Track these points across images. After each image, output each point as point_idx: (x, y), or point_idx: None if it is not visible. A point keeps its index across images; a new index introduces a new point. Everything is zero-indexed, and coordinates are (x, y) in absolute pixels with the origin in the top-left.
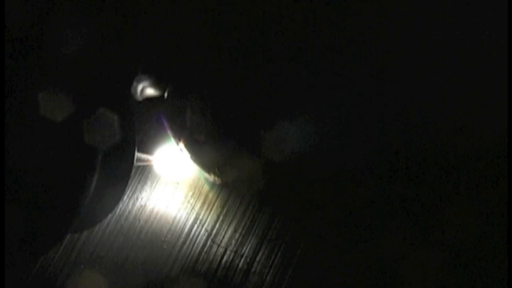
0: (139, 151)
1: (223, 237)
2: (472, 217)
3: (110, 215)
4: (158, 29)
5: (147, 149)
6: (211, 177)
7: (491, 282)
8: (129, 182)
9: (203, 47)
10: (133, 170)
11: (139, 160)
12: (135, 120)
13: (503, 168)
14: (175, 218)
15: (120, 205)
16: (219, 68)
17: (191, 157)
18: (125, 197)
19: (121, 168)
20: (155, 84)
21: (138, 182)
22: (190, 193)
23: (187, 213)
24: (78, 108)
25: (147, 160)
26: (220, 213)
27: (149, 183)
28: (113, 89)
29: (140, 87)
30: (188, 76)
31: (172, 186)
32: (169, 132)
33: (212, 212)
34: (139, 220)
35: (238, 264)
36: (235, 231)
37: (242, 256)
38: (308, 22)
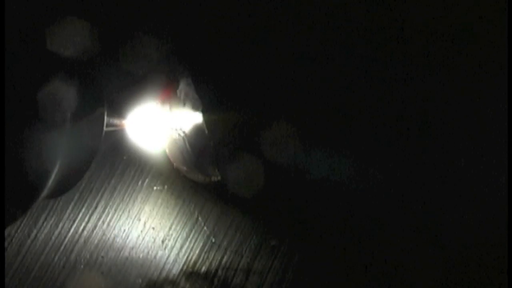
0: (109, 115)
1: (223, 237)
2: (472, 217)
3: (110, 215)
4: (163, 27)
5: (118, 113)
6: (211, 177)
7: (491, 282)
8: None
9: (207, 44)
10: (133, 170)
11: (110, 125)
12: (105, 83)
13: (503, 168)
14: (175, 218)
15: (121, 205)
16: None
17: (191, 156)
18: (125, 197)
19: (91, 133)
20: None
21: (138, 182)
22: (190, 193)
23: (187, 213)
24: (47, 72)
25: (119, 125)
26: (220, 213)
27: (148, 183)
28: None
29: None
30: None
31: (172, 186)
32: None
33: (212, 212)
34: (139, 220)
35: (238, 264)
36: (235, 231)
37: (242, 256)
38: (313, 20)
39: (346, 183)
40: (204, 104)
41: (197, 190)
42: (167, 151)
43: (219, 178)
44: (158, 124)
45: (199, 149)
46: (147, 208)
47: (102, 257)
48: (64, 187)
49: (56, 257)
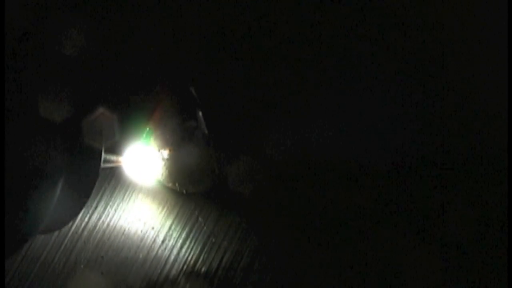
0: (106, 151)
1: (223, 237)
2: (472, 217)
3: (110, 215)
4: (160, 29)
5: (115, 150)
6: (211, 178)
7: (491, 282)
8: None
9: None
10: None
11: (106, 161)
12: (102, 119)
13: (503, 168)
14: (175, 218)
15: (121, 205)
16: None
17: (191, 156)
18: (125, 197)
19: (87, 171)
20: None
21: (138, 182)
22: (190, 193)
23: (187, 213)
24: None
25: (116, 161)
26: (220, 213)
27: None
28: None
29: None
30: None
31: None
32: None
33: (212, 212)
34: (139, 220)
35: (238, 264)
36: (235, 231)
37: (242, 256)
38: (310, 20)
39: (346, 183)
40: (203, 105)
41: (198, 190)
42: (160, 175)
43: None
44: (151, 156)
45: (191, 166)
46: (147, 208)
47: (102, 257)
48: (57, 224)
49: (56, 257)
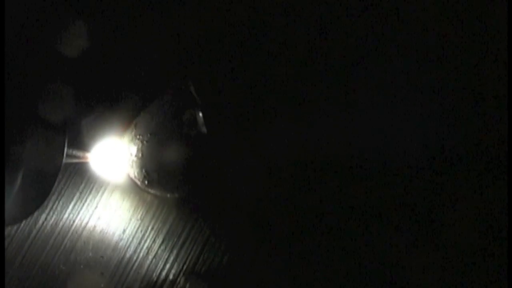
0: (73, 147)
1: (223, 237)
2: (472, 217)
3: (110, 215)
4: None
5: (82, 145)
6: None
7: (491, 282)
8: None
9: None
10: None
11: (72, 156)
12: (68, 115)
13: (503, 168)
14: (175, 218)
15: (121, 205)
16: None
17: (189, 156)
18: (125, 197)
19: (48, 164)
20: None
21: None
22: (191, 193)
23: (187, 213)
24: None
25: (82, 157)
26: (220, 213)
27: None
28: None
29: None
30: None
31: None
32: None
33: (212, 212)
34: (139, 220)
35: (238, 264)
36: (235, 231)
37: (241, 256)
38: (309, 19)
39: (345, 183)
40: (202, 104)
41: (197, 190)
42: (130, 174)
43: (185, 193)
44: (120, 152)
45: (163, 167)
46: (147, 208)
47: (102, 257)
48: (17, 217)
49: (56, 257)
